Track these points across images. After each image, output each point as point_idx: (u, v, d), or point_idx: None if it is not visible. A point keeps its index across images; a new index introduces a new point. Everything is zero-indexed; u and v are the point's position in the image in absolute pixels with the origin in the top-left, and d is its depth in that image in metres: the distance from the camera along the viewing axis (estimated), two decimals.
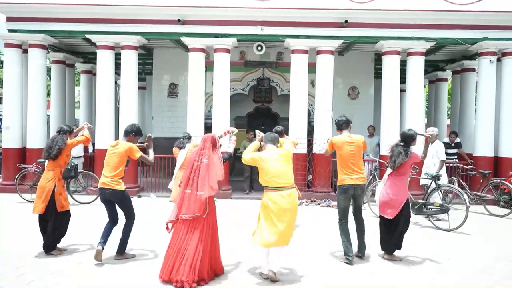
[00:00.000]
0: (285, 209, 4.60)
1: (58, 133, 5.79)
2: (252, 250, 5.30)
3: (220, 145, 4.96)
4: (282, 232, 4.56)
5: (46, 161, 5.71)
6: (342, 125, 5.65)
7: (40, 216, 5.52)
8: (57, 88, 13.15)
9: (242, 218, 7.83)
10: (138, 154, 5.36)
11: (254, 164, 4.85)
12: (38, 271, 4.83)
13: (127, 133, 5.48)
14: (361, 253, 5.59)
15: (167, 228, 4.71)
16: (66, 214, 5.61)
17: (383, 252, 5.67)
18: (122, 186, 5.28)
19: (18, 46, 10.26)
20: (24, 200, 8.96)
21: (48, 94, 15.77)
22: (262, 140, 5.10)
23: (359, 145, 5.53)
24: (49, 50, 12.04)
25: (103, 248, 5.14)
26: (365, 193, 9.26)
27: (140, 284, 4.60)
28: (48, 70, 15.60)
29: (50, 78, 15.29)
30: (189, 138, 8.37)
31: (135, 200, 9.66)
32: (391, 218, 5.46)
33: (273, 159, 4.74)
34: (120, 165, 5.32)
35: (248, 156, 4.85)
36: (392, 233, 5.54)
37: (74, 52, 13.41)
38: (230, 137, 5.40)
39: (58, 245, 5.60)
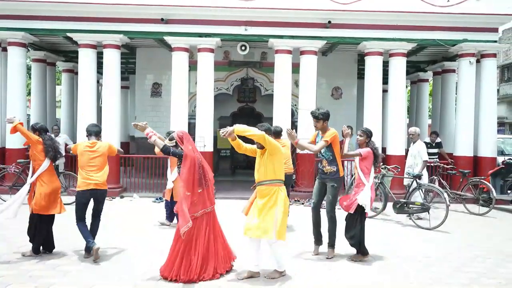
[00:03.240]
0: None
1: (46, 133, 5.69)
2: (243, 250, 5.23)
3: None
4: None
5: (49, 162, 5.40)
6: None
7: (41, 216, 5.35)
8: (37, 87, 12.94)
9: (227, 218, 7.79)
10: (116, 149, 5.69)
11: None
12: (16, 275, 4.73)
13: (98, 133, 5.58)
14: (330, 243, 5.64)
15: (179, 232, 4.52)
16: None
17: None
18: None
19: None
20: (3, 202, 8.76)
21: (29, 93, 15.51)
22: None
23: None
24: (29, 49, 11.83)
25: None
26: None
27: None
28: (28, 68, 15.33)
29: (30, 77, 15.03)
30: None
31: (117, 201, 9.59)
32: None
33: None
34: (105, 164, 5.42)
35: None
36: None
37: (55, 51, 13.19)
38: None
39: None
